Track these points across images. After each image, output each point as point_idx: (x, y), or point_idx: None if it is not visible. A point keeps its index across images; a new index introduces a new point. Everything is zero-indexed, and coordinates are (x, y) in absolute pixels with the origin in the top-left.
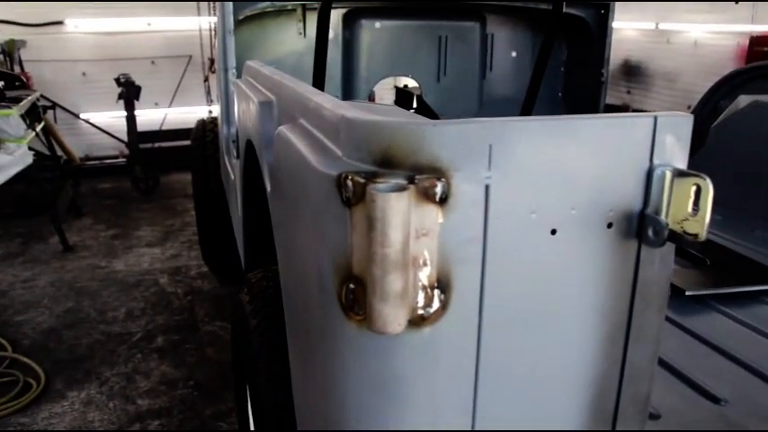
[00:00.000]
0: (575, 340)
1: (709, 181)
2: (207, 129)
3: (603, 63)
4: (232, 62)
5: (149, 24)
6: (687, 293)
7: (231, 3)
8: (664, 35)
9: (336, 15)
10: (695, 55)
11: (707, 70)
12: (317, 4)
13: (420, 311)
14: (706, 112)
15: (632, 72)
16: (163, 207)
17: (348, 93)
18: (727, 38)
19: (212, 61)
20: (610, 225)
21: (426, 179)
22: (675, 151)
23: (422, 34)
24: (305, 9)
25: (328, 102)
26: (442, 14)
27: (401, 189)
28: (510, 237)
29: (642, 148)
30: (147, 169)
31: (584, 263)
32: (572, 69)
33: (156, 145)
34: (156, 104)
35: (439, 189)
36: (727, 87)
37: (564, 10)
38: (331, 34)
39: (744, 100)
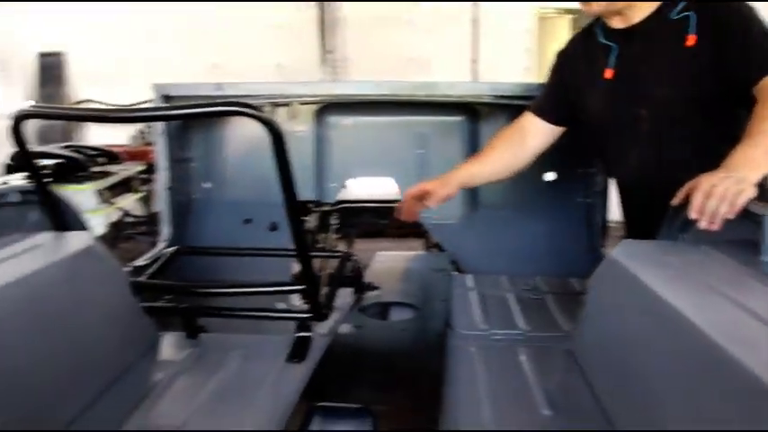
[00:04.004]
0: None
1: None
2: None
3: None
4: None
5: None
6: None
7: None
8: None
9: (309, 111)
10: None
11: None
12: (282, 100)
13: None
14: None
15: None
16: None
17: (320, 191)
18: None
19: None
20: None
21: None
22: None
23: (400, 131)
24: (274, 105)
25: None
26: (421, 109)
27: None
28: None
29: None
30: None
31: None
32: None
33: None
34: None
35: None
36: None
37: None
38: (304, 130)
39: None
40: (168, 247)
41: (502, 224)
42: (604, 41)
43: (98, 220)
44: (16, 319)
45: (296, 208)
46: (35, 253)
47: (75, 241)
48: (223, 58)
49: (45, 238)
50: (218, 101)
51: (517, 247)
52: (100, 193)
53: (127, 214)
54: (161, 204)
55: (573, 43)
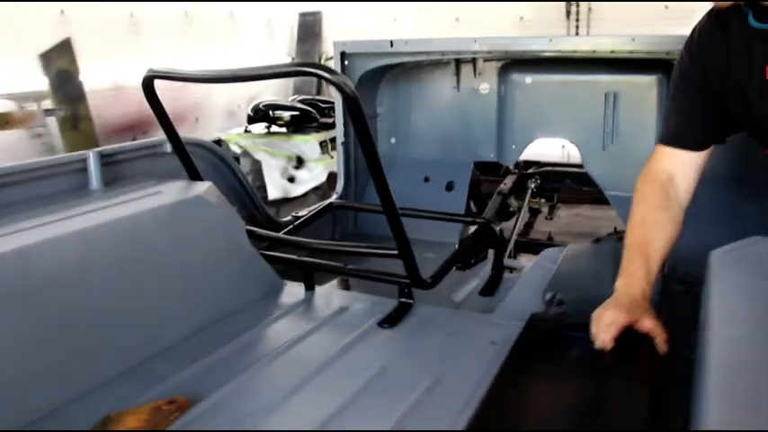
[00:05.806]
0: None
1: None
2: None
3: None
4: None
5: None
6: None
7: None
8: None
9: (493, 68)
10: None
11: None
12: (469, 58)
13: None
14: None
15: None
16: None
17: (501, 151)
18: None
19: None
20: None
21: None
22: None
23: (584, 91)
24: (458, 63)
25: None
26: (611, 67)
27: None
28: None
29: None
30: None
31: None
32: None
33: None
34: None
35: None
36: None
37: None
38: (487, 89)
39: None
40: (340, 199)
41: (699, 201)
42: (762, 25)
43: (319, 168)
44: (110, 254)
45: (380, 169)
46: (148, 199)
47: (191, 190)
48: (465, 12)
49: (172, 186)
50: (296, 62)
51: (719, 228)
52: (324, 143)
53: None
54: (337, 159)
55: (708, 34)
